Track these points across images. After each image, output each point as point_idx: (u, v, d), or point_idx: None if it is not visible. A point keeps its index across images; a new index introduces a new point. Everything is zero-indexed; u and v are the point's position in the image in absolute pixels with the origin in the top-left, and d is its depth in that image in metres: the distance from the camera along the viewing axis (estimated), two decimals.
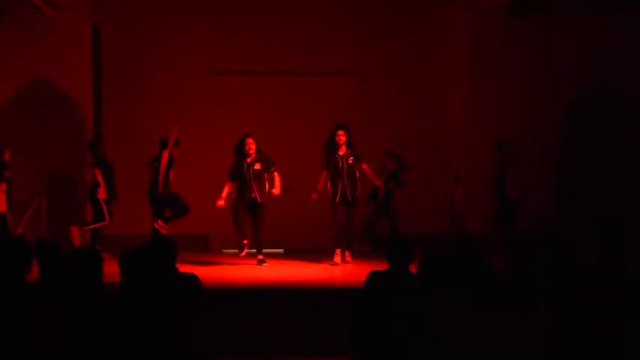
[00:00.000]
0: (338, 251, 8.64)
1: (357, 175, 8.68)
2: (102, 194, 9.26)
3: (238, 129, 10.01)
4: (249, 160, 8.61)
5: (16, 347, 3.83)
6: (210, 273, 7.94)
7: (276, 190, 8.66)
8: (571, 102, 10.36)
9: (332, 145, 8.65)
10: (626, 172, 10.09)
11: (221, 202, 8.65)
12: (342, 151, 8.65)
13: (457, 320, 4.03)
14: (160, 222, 8.85)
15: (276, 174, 8.70)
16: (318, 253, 9.35)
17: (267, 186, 8.67)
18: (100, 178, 9.27)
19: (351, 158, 8.61)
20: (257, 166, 8.61)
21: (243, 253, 8.77)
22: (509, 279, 4.26)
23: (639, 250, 4.84)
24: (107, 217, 9.29)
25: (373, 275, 4.61)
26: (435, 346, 4.04)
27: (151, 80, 10.67)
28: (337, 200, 8.59)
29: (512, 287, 4.20)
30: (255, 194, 8.54)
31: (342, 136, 8.60)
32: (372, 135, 10.30)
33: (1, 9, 9.64)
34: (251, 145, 8.59)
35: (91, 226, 9.31)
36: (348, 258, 8.68)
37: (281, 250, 10.27)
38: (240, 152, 8.64)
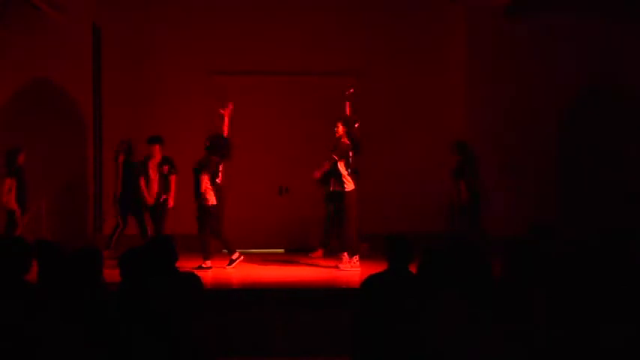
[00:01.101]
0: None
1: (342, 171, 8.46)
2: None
3: (238, 129, 10.02)
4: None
5: (16, 347, 3.83)
6: (211, 273, 7.94)
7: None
8: (571, 102, 10.35)
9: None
10: (626, 172, 10.08)
11: None
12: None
13: (457, 320, 4.03)
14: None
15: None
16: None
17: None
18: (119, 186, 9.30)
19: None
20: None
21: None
22: (508, 279, 4.26)
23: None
24: (120, 223, 9.26)
25: (372, 277, 4.59)
26: (435, 345, 4.04)
27: (151, 80, 10.67)
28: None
29: (512, 287, 4.20)
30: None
31: (336, 129, 8.52)
32: (371, 135, 10.30)
33: (2, 9, 9.63)
34: None
35: (113, 240, 9.12)
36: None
37: (281, 250, 10.27)
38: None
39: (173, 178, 8.98)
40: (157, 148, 8.99)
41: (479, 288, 4.16)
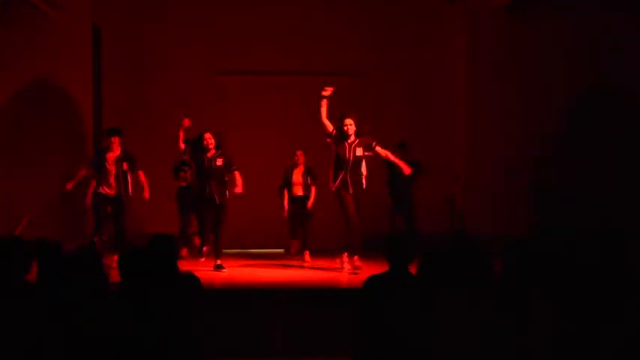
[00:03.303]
0: (345, 254, 8.06)
1: (364, 170, 8.00)
2: None
3: (238, 129, 10.06)
4: (209, 154, 8.19)
5: (16, 347, 3.83)
6: (211, 273, 7.94)
7: (239, 189, 8.23)
8: (571, 102, 10.35)
9: (340, 133, 7.98)
10: (627, 172, 10.08)
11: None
12: (350, 140, 7.98)
13: (457, 320, 4.03)
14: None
15: (237, 173, 8.28)
16: (318, 253, 9.36)
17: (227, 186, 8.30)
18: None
19: (361, 148, 7.91)
20: (219, 162, 8.19)
21: (204, 259, 8.48)
22: (508, 279, 4.27)
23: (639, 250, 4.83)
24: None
25: (372, 278, 4.60)
26: (436, 346, 4.04)
27: (151, 80, 10.68)
28: (339, 186, 7.87)
29: (512, 287, 4.20)
30: (214, 194, 8.15)
31: (350, 126, 7.95)
32: (371, 135, 10.31)
33: (1, 9, 9.62)
34: (209, 141, 8.13)
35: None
36: (357, 262, 7.90)
37: (281, 250, 10.26)
38: (198, 148, 8.21)
39: (140, 174, 8.48)
40: (115, 140, 8.42)
41: (479, 288, 4.17)
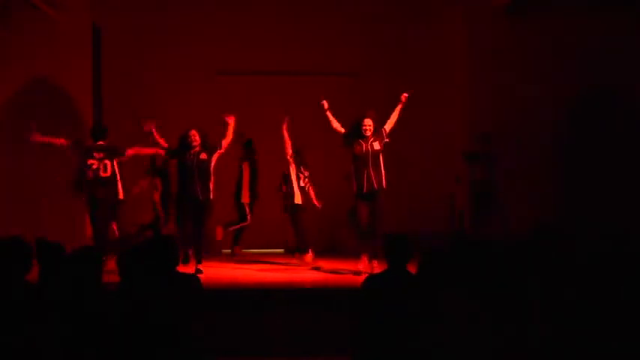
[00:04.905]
0: (364, 257, 7.69)
1: (382, 166, 7.70)
2: (245, 198, 9.62)
3: (238, 129, 10.03)
4: (192, 151, 7.98)
5: (17, 347, 3.83)
6: (211, 273, 7.94)
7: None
8: (571, 102, 10.34)
9: (357, 132, 7.72)
10: (627, 172, 10.07)
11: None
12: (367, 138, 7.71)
13: (457, 319, 4.03)
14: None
15: (223, 142, 8.16)
16: (318, 253, 9.36)
17: (212, 185, 8.04)
18: (246, 181, 9.65)
19: (378, 141, 7.64)
20: (203, 156, 8.00)
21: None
22: (506, 279, 4.27)
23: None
24: (249, 218, 9.62)
25: (372, 277, 4.61)
26: (435, 345, 4.04)
27: (151, 80, 10.67)
28: (363, 192, 7.60)
29: (511, 287, 4.20)
30: (197, 191, 7.92)
31: (368, 126, 7.68)
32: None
33: (1, 9, 9.61)
34: (194, 137, 7.96)
35: (234, 227, 9.63)
36: (376, 267, 7.41)
37: (281, 250, 10.27)
38: (184, 145, 8.03)
39: None
40: None
41: (479, 288, 4.17)
